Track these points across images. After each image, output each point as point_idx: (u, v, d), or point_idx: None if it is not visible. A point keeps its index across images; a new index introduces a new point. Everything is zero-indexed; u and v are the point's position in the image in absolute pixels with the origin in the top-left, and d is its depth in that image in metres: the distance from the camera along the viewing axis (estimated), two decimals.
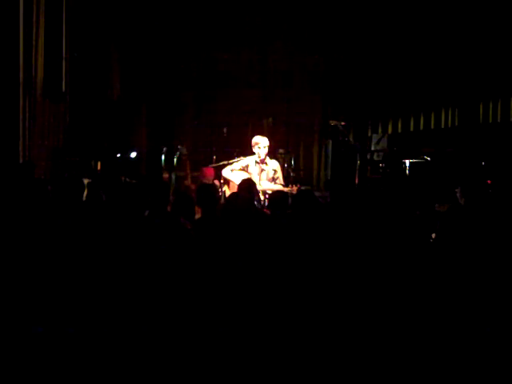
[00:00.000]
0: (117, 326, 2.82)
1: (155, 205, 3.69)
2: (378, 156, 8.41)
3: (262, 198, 6.21)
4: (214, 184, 6.06)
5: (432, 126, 8.92)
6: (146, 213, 3.69)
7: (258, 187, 6.04)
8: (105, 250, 3.18)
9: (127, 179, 7.36)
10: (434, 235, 3.83)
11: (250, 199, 4.58)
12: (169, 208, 3.90)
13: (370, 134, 9.46)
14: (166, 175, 8.47)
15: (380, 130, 9.63)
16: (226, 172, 6.47)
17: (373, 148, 8.58)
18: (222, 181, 6.54)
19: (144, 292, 2.95)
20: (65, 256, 3.14)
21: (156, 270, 3.05)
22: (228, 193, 6.36)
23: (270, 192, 6.15)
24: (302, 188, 6.16)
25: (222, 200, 6.32)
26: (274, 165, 6.48)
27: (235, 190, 6.14)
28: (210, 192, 4.25)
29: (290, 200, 4.70)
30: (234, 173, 6.39)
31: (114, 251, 3.17)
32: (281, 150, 8.45)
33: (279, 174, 6.47)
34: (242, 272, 3.18)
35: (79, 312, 2.88)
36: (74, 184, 3.95)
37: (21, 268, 3.09)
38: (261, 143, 6.38)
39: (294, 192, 5.97)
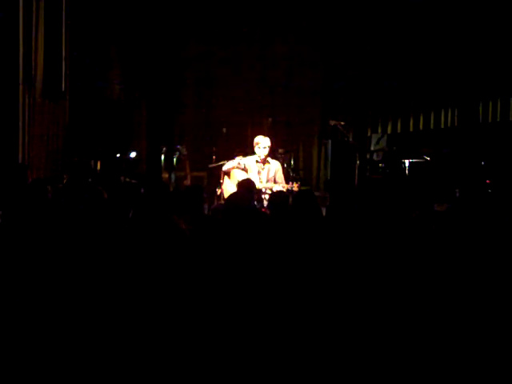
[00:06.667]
0: (114, 326, 2.83)
1: (152, 205, 3.69)
2: (377, 156, 8.42)
3: (262, 197, 6.21)
4: (199, 186, 6.12)
5: (431, 126, 8.93)
6: (144, 213, 3.68)
7: (258, 186, 6.04)
8: (99, 250, 3.18)
9: (127, 179, 7.38)
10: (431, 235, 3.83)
11: (249, 199, 4.58)
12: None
13: (369, 134, 9.46)
14: (165, 175, 8.49)
15: (380, 130, 9.63)
16: (226, 167, 6.49)
17: (372, 148, 8.59)
18: (221, 180, 6.54)
19: (141, 292, 2.95)
20: (63, 256, 3.14)
21: (151, 270, 3.05)
22: (227, 186, 6.38)
23: (269, 191, 6.15)
24: (302, 188, 6.16)
25: (222, 200, 6.35)
26: (275, 165, 6.47)
27: (235, 181, 6.18)
28: (196, 194, 4.26)
29: (290, 198, 4.71)
30: (234, 168, 6.40)
31: (108, 252, 3.17)
32: (281, 150, 8.46)
33: (280, 175, 6.46)
34: (241, 272, 3.17)
35: (78, 312, 2.88)
36: (76, 184, 3.95)
37: (19, 268, 3.09)
38: (261, 143, 6.38)
39: (295, 189, 5.98)
